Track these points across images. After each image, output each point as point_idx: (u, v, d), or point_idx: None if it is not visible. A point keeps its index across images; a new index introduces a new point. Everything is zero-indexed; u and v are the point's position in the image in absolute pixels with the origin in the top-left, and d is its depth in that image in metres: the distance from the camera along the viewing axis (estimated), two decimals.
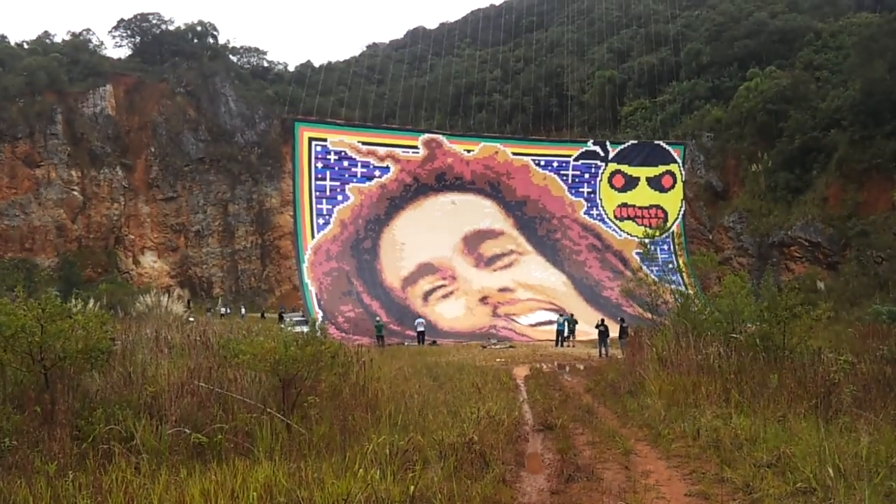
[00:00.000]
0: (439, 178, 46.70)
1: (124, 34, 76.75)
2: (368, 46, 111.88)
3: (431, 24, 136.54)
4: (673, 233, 47.61)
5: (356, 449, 8.20)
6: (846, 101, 47.42)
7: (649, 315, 24.14)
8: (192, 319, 24.25)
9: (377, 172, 45.05)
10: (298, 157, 43.54)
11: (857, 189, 45.47)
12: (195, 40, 76.23)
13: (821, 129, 48.82)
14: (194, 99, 69.18)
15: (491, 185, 47.62)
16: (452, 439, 8.71)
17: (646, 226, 48.90)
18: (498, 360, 25.27)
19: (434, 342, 35.12)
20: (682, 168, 50.97)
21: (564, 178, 48.93)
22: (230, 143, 67.99)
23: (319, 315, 39.77)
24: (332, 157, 44.07)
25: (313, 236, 42.76)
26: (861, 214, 44.61)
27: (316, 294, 41.19)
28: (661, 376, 13.44)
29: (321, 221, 43.11)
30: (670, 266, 41.30)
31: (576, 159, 49.22)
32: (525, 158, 48.61)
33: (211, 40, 77.62)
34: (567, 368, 22.56)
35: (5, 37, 71.26)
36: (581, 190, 48.97)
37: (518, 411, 12.59)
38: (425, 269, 43.93)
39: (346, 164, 44.33)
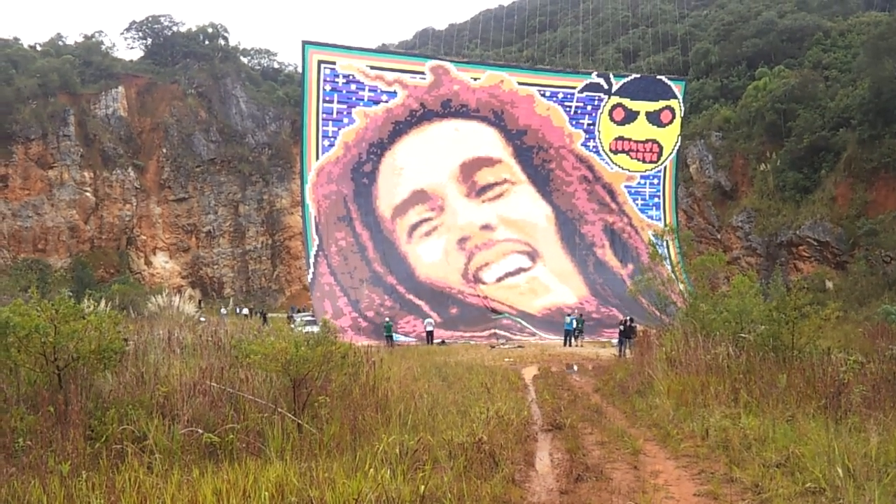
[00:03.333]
0: (445, 105, 46.40)
1: (136, 36, 77.31)
2: (377, 48, 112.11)
3: (440, 25, 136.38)
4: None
5: (367, 449, 8.24)
6: (855, 100, 47.30)
7: (647, 305, 23.82)
8: (203, 319, 24.38)
9: (384, 97, 44.80)
10: (307, 79, 43.34)
11: (866, 188, 45.36)
12: (206, 42, 76.58)
13: (829, 128, 48.70)
14: (205, 100, 69.57)
15: (494, 114, 47.39)
16: (462, 439, 8.74)
17: (639, 160, 48.91)
18: (506, 360, 25.32)
19: (442, 342, 35.27)
20: (681, 103, 50.53)
21: (567, 108, 48.60)
22: (241, 145, 68.39)
23: (316, 241, 41.25)
24: (341, 80, 43.84)
25: (317, 158, 42.95)
26: (870, 214, 44.50)
27: (315, 217, 41.95)
28: (669, 376, 13.41)
29: (326, 143, 43.15)
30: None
31: (580, 91, 48.76)
32: (531, 88, 48.22)
33: (222, 42, 77.98)
34: (575, 368, 22.56)
35: (18, 39, 72.05)
36: (581, 121, 48.67)
37: (527, 411, 12.61)
38: (417, 198, 44.25)
39: (353, 87, 44.11)
